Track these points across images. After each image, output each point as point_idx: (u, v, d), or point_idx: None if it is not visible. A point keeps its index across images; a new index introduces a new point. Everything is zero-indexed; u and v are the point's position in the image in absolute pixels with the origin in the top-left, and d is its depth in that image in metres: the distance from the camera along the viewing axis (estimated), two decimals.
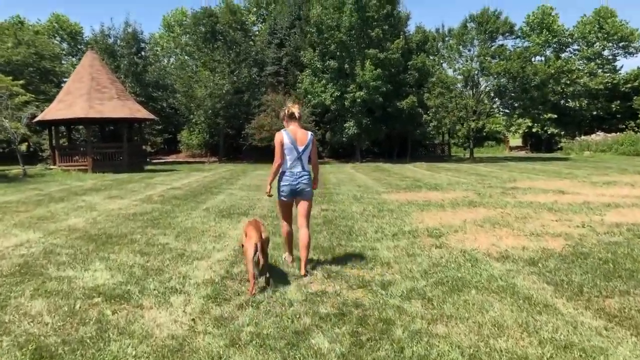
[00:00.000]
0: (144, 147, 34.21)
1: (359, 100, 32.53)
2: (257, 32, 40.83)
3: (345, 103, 33.11)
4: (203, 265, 6.04)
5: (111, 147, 26.75)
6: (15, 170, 23.85)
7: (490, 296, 4.79)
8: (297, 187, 5.73)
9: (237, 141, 41.88)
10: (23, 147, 57.57)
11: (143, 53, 41.32)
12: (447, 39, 35.08)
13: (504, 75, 31.11)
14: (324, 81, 34.27)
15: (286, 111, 5.79)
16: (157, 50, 44.05)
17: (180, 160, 43.33)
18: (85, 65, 26.52)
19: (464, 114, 32.44)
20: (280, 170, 5.76)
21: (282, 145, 5.62)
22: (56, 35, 54.13)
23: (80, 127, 34.33)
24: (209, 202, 12.08)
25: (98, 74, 25.99)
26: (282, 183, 5.77)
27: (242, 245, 5.44)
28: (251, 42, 37.61)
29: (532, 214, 9.76)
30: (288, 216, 6.03)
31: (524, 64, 31.47)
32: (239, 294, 4.91)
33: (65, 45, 54.48)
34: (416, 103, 32.69)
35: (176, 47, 43.83)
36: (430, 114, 33.14)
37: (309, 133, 5.83)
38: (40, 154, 35.98)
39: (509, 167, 25.96)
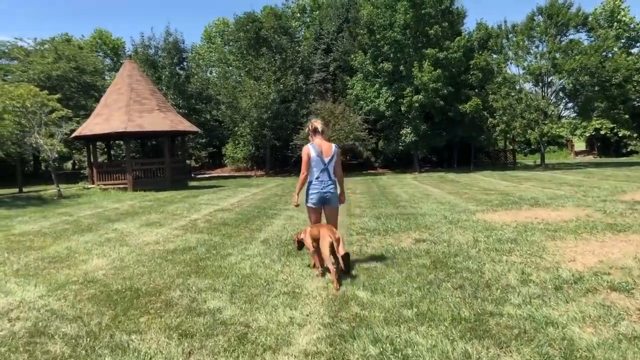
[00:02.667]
0: (187, 162, 32.32)
1: (417, 104, 29.75)
2: (301, 38, 38.55)
3: (402, 108, 30.37)
4: None
5: (152, 163, 24.79)
6: (51, 190, 22.14)
7: None
8: (326, 195, 6.22)
9: (284, 153, 39.73)
10: (68, 165, 57.33)
11: (185, 63, 39.66)
12: (510, 35, 31.87)
13: (579, 73, 27.68)
14: (377, 85, 31.66)
15: (310, 127, 6.36)
16: (199, 60, 42.43)
17: (226, 174, 41.47)
18: (123, 75, 24.71)
19: (536, 117, 29.11)
20: (308, 181, 6.25)
21: (309, 157, 6.15)
22: (99, 50, 53.50)
23: (120, 142, 32.78)
24: (266, 230, 9.60)
25: (137, 85, 24.13)
26: (311, 191, 6.24)
27: (299, 240, 6.47)
28: (297, 48, 35.32)
29: None
30: (318, 220, 6.42)
31: (603, 60, 28.03)
32: None
33: (108, 60, 53.76)
34: (481, 106, 29.62)
35: (219, 56, 42.01)
36: (497, 117, 29.97)
37: (334, 145, 6.38)
38: (82, 172, 34.59)
39: (596, 174, 22.75)
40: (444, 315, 4.41)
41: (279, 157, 40.49)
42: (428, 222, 9.93)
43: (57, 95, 22.69)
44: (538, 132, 29.30)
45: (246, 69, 34.57)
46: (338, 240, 5.65)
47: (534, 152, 51.38)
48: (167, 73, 36.17)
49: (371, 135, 31.62)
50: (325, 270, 5.98)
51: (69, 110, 23.72)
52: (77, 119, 31.38)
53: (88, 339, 4.17)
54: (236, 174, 41.32)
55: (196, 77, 38.87)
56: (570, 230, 8.44)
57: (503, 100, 29.33)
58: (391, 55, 31.04)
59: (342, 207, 7.24)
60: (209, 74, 44.17)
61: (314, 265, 6.27)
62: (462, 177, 25.79)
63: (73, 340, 4.16)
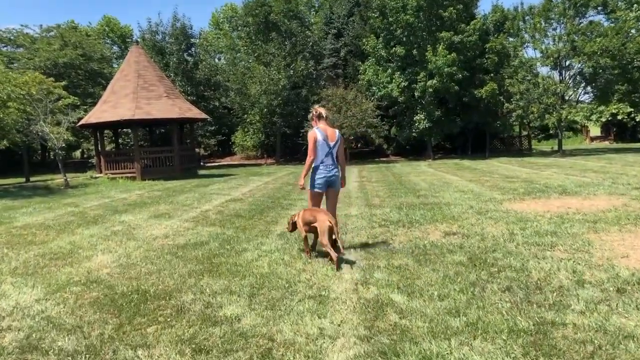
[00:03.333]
0: (196, 150, 31.77)
1: (431, 89, 28.92)
2: (311, 22, 37.62)
3: (415, 94, 29.56)
4: None
5: (161, 151, 24.21)
6: (58, 179, 21.68)
7: None
8: (331, 178, 6.38)
9: (294, 140, 39.05)
10: (77, 153, 56.93)
11: (193, 49, 38.88)
12: (527, 17, 30.83)
13: (600, 55, 26.67)
14: (389, 70, 30.84)
15: (315, 112, 6.48)
16: (207, 46, 41.61)
17: (235, 163, 40.91)
18: (130, 61, 24.08)
19: (554, 101, 28.18)
20: (313, 165, 6.37)
21: (315, 142, 6.25)
22: (107, 38, 52.84)
23: (127, 130, 32.26)
24: (282, 223, 8.99)
25: (145, 71, 23.51)
26: (317, 176, 6.33)
27: (292, 224, 6.57)
28: (308, 32, 34.44)
29: None
30: (319, 205, 6.57)
31: (624, 41, 27.00)
32: None
33: (115, 48, 53.11)
34: (497, 90, 28.74)
35: (228, 42, 41.12)
36: (514, 102, 29.08)
37: (337, 131, 6.52)
38: (90, 161, 34.17)
39: (617, 161, 21.95)
40: (498, 326, 3.80)
41: (289, 145, 39.83)
42: (454, 213, 9.30)
43: (63, 83, 22.18)
44: (556, 117, 28.40)
45: (255, 55, 33.78)
46: (336, 225, 5.89)
47: (548, 137, 50.35)
48: (174, 59, 35.46)
49: (383, 122, 30.83)
50: (311, 254, 6.36)
51: (76, 98, 23.19)
52: (85, 107, 30.80)
53: (87, 356, 3.59)
54: (246, 162, 40.71)
55: (204, 63, 38.12)
56: (611, 221, 7.80)
57: (520, 85, 28.42)
58: (404, 39, 30.19)
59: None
60: (217, 61, 43.36)
61: (305, 250, 6.40)
62: (478, 164, 25.05)
63: (70, 358, 3.58)
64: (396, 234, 7.70)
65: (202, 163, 37.43)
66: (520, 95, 28.49)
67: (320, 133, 6.31)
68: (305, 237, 6.36)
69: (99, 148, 23.81)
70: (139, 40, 29.01)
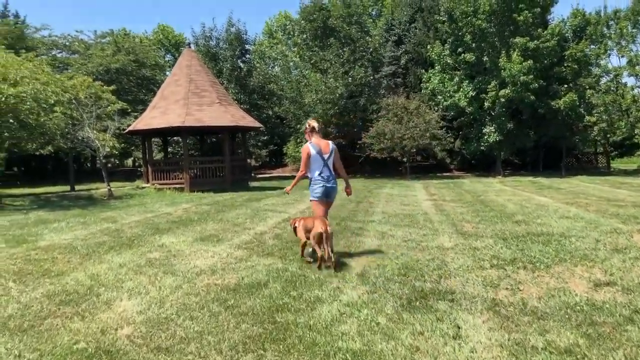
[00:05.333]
0: (248, 160, 30.26)
1: (503, 99, 26.46)
2: (371, 28, 35.64)
3: (485, 104, 27.14)
4: None
5: (211, 161, 22.70)
6: (103, 189, 20.46)
7: None
8: (329, 189, 6.60)
9: (348, 152, 37.09)
10: (129, 162, 56.75)
11: (247, 56, 37.59)
12: (611, 22, 27.99)
13: None
14: (456, 79, 28.54)
15: (308, 126, 6.72)
16: (262, 53, 40.40)
17: (287, 174, 39.24)
18: (182, 65, 22.74)
19: None
20: (310, 178, 6.62)
21: (308, 156, 6.50)
22: (161, 47, 52.53)
23: (177, 138, 31.13)
24: (359, 257, 7.02)
25: (197, 76, 22.11)
26: (316, 186, 6.57)
27: (295, 227, 6.79)
28: (368, 38, 32.48)
29: None
30: (325, 212, 6.68)
31: None
32: None
33: (169, 57, 52.72)
34: (577, 101, 25.98)
35: (282, 48, 39.69)
36: (596, 114, 26.22)
37: (330, 142, 6.79)
38: (140, 169, 33.26)
39: None
40: None
41: (342, 157, 37.90)
42: (582, 249, 7.11)
43: (112, 87, 20.96)
44: None
45: (311, 62, 32.05)
46: (327, 232, 6.07)
47: (622, 155, 46.50)
48: (228, 66, 34.21)
49: (448, 134, 28.45)
50: (310, 259, 6.58)
51: (124, 103, 22.01)
52: (135, 114, 29.94)
53: None
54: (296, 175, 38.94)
55: (258, 70, 36.74)
56: None
57: (605, 96, 25.57)
58: (473, 46, 27.87)
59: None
60: (271, 69, 41.99)
61: (302, 256, 6.74)
62: (558, 182, 22.41)
63: None
64: (521, 280, 5.62)
65: (252, 174, 35.98)
66: (605, 107, 25.61)
67: (313, 147, 6.50)
68: (304, 243, 6.63)
69: (147, 157, 22.49)
70: (192, 44, 27.76)
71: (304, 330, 4.16)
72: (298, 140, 38.13)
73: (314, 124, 6.69)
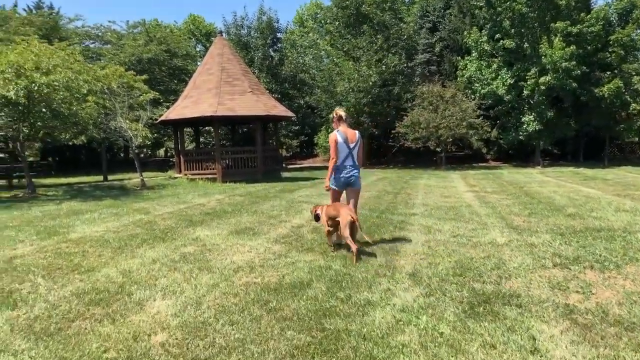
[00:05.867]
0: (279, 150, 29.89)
1: (543, 87, 25.44)
2: (405, 15, 34.68)
3: (525, 92, 26.13)
4: None
5: (243, 151, 22.36)
6: (135, 179, 20.34)
7: None
8: (350, 179, 6.58)
9: (380, 142, 36.49)
10: (161, 152, 57.06)
11: (279, 45, 37.08)
12: None
13: None
14: (494, 66, 27.55)
15: (335, 115, 6.68)
16: (293, 41, 39.79)
17: (318, 165, 38.85)
18: (213, 54, 22.39)
19: None
20: (335, 166, 6.53)
21: (336, 143, 6.46)
22: (192, 37, 52.43)
23: (209, 128, 30.91)
24: (406, 252, 6.51)
25: (229, 64, 21.74)
26: (337, 175, 6.57)
27: (316, 214, 6.86)
28: (402, 24, 31.61)
29: None
30: (338, 201, 6.72)
31: None
32: None
33: (200, 47, 52.62)
34: (622, 88, 24.80)
35: (314, 36, 39.01)
36: None
37: (357, 132, 6.70)
38: (172, 159, 33.23)
39: None
40: None
41: (373, 147, 37.36)
42: None
43: (144, 76, 20.77)
44: None
45: (344, 49, 31.36)
46: (357, 221, 6.08)
47: None
48: (259, 55, 33.79)
49: (486, 123, 27.48)
50: (336, 248, 6.56)
51: (157, 93, 21.81)
52: (167, 104, 29.82)
53: None
54: (328, 164, 38.48)
55: (290, 59, 36.23)
56: None
57: None
58: (512, 31, 26.82)
59: None
60: (301, 59, 41.41)
61: (329, 244, 6.68)
62: (603, 173, 21.43)
63: None
64: (591, 282, 5.06)
65: (283, 165, 35.64)
66: None
67: (340, 135, 6.50)
68: (328, 231, 6.61)
69: (179, 147, 22.29)
70: (222, 32, 27.29)
71: (357, 340, 3.70)
72: (329, 130, 37.60)
73: (341, 112, 6.68)
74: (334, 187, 6.68)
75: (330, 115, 6.91)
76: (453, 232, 7.89)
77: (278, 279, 5.40)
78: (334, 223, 6.42)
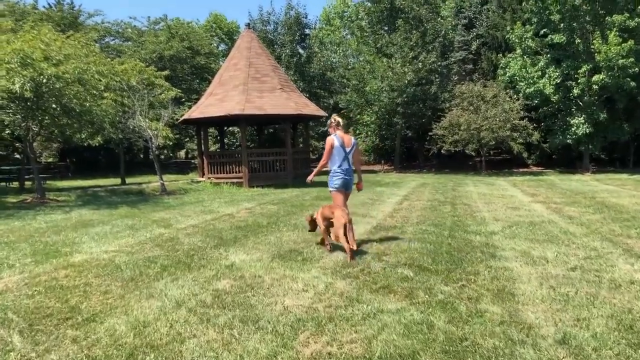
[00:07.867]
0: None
1: (596, 86, 23.32)
2: (442, 8, 32.63)
3: (575, 91, 24.03)
4: None
5: (272, 153, 20.67)
6: (155, 183, 18.78)
7: None
8: (348, 182, 6.89)
9: (414, 145, 34.55)
10: (181, 153, 55.72)
11: (307, 41, 35.35)
12: None
13: None
14: (541, 63, 25.47)
15: (334, 121, 6.97)
16: (323, 38, 38.10)
17: None
18: (241, 47, 20.73)
19: None
20: (331, 169, 6.86)
21: (332, 147, 6.80)
22: (214, 35, 51.03)
23: (234, 128, 29.32)
24: (527, 299, 4.70)
25: (257, 59, 20.08)
26: (336, 178, 6.85)
27: (312, 222, 7.23)
28: (440, 19, 29.63)
29: None
30: (343, 203, 6.88)
31: None
32: None
33: (222, 46, 51.20)
34: None
35: (348, 29, 37.16)
36: None
37: (353, 138, 7.02)
38: (193, 161, 31.72)
39: None
40: None
41: (406, 150, 35.45)
42: None
43: (165, 72, 19.21)
44: None
45: (376, 46, 29.48)
46: (350, 222, 6.27)
47: None
48: (287, 52, 32.10)
49: (533, 125, 25.34)
50: (330, 247, 6.78)
51: (179, 91, 20.25)
52: (189, 103, 28.31)
53: None
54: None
55: (318, 56, 34.47)
56: None
57: None
58: (561, 26, 24.73)
59: None
60: (330, 56, 39.64)
61: (323, 243, 6.97)
62: None
63: None
64: None
65: (311, 168, 33.92)
66: None
67: (337, 139, 6.82)
68: (324, 230, 6.82)
69: (202, 148, 20.65)
70: (251, 25, 25.61)
71: None
72: (357, 131, 35.79)
73: (339, 119, 7.02)
74: (334, 189, 6.91)
75: (328, 121, 7.14)
76: (564, 262, 6.05)
77: (364, 347, 3.62)
78: (329, 224, 6.66)
